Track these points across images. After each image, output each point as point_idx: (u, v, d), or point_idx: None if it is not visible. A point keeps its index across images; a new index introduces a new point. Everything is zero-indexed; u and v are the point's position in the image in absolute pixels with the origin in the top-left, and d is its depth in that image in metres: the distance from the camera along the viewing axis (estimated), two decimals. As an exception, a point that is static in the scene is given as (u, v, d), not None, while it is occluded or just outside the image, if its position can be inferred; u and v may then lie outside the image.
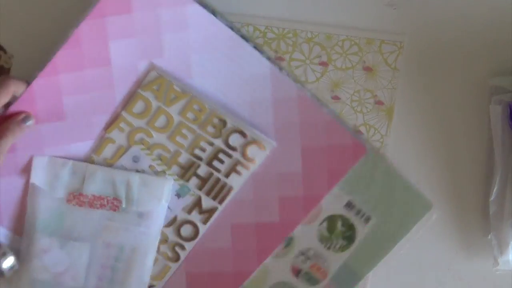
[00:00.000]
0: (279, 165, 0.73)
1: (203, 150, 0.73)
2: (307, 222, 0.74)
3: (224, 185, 0.73)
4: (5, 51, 0.74)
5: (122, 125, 0.72)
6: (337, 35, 0.75)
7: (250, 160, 0.73)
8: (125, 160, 0.72)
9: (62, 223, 0.72)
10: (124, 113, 0.72)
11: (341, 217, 0.74)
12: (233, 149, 0.73)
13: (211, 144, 0.73)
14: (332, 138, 0.73)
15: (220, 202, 0.73)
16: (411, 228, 0.74)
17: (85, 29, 0.70)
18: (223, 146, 0.73)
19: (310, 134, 0.73)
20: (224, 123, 0.72)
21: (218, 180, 0.73)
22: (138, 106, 0.72)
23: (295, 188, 0.73)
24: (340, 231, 0.75)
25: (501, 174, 0.74)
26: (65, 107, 0.72)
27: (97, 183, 0.72)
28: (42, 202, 0.71)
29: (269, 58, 0.72)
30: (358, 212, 0.74)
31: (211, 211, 0.73)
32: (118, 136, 0.72)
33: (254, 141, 0.72)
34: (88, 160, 0.73)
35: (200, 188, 0.73)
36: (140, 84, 0.72)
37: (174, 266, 0.74)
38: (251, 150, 0.73)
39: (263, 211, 0.74)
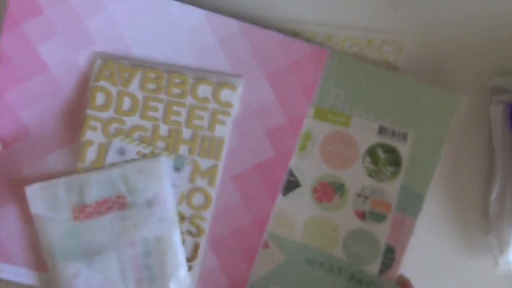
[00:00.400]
0: (253, 102, 0.71)
1: (179, 114, 0.70)
2: (349, 165, 0.73)
3: (213, 139, 0.71)
4: None
5: (92, 123, 0.70)
6: (337, 35, 0.74)
7: (227, 105, 0.70)
8: (112, 156, 0.71)
9: (79, 242, 0.71)
10: (89, 111, 0.70)
11: (379, 144, 0.73)
12: (206, 101, 0.70)
13: (183, 105, 0.70)
14: (290, 54, 0.71)
15: (217, 158, 0.71)
16: (451, 125, 0.72)
17: (7, 43, 0.70)
18: (195, 102, 0.70)
19: (268, 59, 0.71)
20: (185, 80, 0.70)
21: (205, 137, 0.71)
22: (99, 98, 0.70)
23: (277, 117, 0.72)
24: (385, 159, 0.73)
25: (501, 174, 0.73)
26: (26, 122, 0.71)
27: (95, 189, 0.70)
28: (52, 229, 0.71)
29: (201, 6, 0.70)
30: (393, 133, 0.73)
31: (213, 170, 0.71)
32: (93, 136, 0.71)
33: (223, 85, 0.70)
34: (75, 170, 0.72)
35: (192, 153, 0.71)
36: (90, 77, 0.70)
37: (202, 240, 0.72)
38: (223, 95, 0.70)
39: (256, 152, 0.72)
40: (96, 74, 0.70)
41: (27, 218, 0.72)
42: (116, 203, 0.70)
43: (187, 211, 0.72)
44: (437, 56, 0.74)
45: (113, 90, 0.70)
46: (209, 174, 0.71)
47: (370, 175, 0.73)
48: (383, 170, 0.73)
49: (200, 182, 0.71)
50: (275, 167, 0.72)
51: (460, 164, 0.75)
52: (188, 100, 0.70)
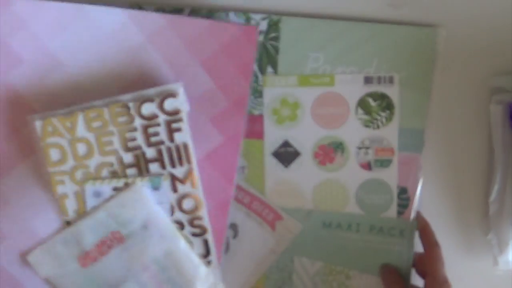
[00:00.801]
0: (192, 92, 0.71)
1: (134, 138, 0.70)
2: (343, 122, 0.75)
3: (178, 147, 0.71)
4: None
5: (58, 179, 0.70)
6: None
7: (175, 112, 0.69)
8: (91, 201, 0.71)
9: (98, 285, 0.73)
10: (50, 169, 0.70)
11: (368, 94, 0.74)
12: (154, 116, 0.70)
13: (134, 129, 0.70)
14: (220, 37, 0.70)
15: (189, 161, 0.71)
16: (435, 57, 0.73)
17: None
18: (144, 122, 0.70)
19: (199, 47, 0.70)
20: (125, 105, 0.69)
21: (169, 148, 0.71)
22: (53, 154, 0.70)
23: (219, 102, 0.72)
24: (376, 106, 0.74)
25: (501, 174, 0.73)
26: None
27: (89, 234, 0.71)
28: (69, 284, 0.72)
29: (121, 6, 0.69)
30: (379, 80, 0.74)
31: (189, 173, 0.71)
32: (64, 189, 0.71)
33: (164, 96, 0.69)
34: (64, 225, 0.72)
35: (164, 167, 0.71)
36: (36, 139, 0.70)
37: (209, 236, 0.74)
38: (168, 104, 0.69)
39: (205, 141, 0.72)
40: (41, 134, 0.69)
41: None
42: (113, 240, 0.72)
43: (183, 217, 0.73)
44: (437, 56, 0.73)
45: (63, 142, 0.69)
46: (188, 178, 0.71)
47: (366, 126, 0.74)
48: (377, 117, 0.74)
49: (183, 188, 0.72)
50: (226, 152, 0.72)
51: (460, 164, 0.76)
52: (137, 122, 0.69)
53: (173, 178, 0.71)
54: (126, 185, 0.71)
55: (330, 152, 0.75)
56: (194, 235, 0.73)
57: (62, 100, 0.71)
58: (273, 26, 0.73)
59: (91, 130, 0.70)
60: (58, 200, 0.71)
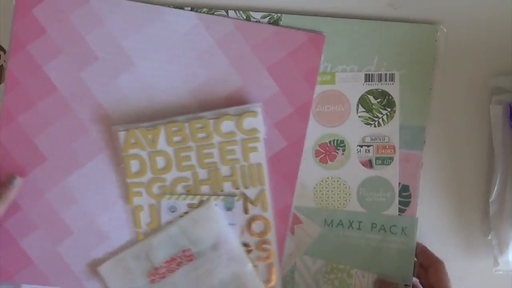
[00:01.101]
0: (258, 97, 0.73)
1: (211, 155, 0.71)
2: (344, 120, 0.74)
3: (252, 168, 0.72)
4: (4, 51, 0.74)
5: (135, 190, 0.72)
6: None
7: (253, 132, 0.71)
8: (165, 216, 0.72)
9: None
10: (128, 180, 0.71)
11: (369, 92, 0.74)
12: (232, 134, 0.71)
13: (212, 146, 0.71)
14: (287, 44, 0.72)
15: (262, 183, 0.72)
16: (435, 54, 0.73)
17: (15, 65, 0.71)
18: (222, 139, 0.71)
19: (266, 52, 0.72)
20: (206, 122, 0.70)
21: (243, 168, 0.72)
22: (133, 166, 0.71)
23: (284, 108, 0.73)
24: (378, 104, 0.74)
25: (501, 174, 0.72)
26: (41, 148, 0.72)
27: (160, 250, 0.72)
28: None
29: (191, 8, 0.72)
30: (380, 77, 0.73)
31: (261, 195, 0.73)
32: (141, 201, 0.72)
33: (243, 115, 0.71)
34: (136, 237, 0.73)
35: (237, 187, 0.72)
36: (119, 149, 0.71)
37: (275, 261, 0.74)
38: (247, 124, 0.71)
39: (268, 145, 0.73)
40: (124, 145, 0.71)
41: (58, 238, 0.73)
42: (183, 257, 0.72)
43: (251, 240, 0.73)
44: (437, 56, 0.74)
45: (144, 154, 0.71)
46: (260, 200, 0.73)
47: (367, 123, 0.74)
48: (378, 115, 0.74)
49: (254, 210, 0.73)
50: (288, 157, 0.73)
51: (460, 164, 0.75)
52: (215, 139, 0.71)
53: (245, 200, 0.73)
54: (200, 202, 0.72)
55: (331, 150, 0.74)
56: (260, 259, 0.74)
57: (130, 102, 0.72)
58: (274, 24, 0.73)
59: (171, 144, 0.71)
60: (133, 211, 0.72)
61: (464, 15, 0.73)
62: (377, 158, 0.74)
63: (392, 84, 0.73)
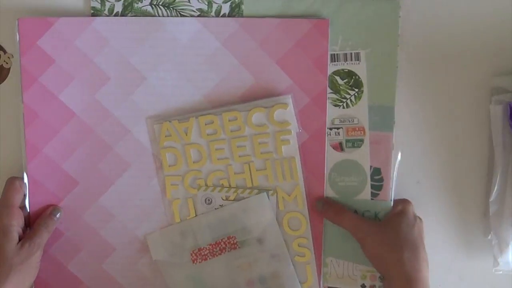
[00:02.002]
0: (273, 91, 0.73)
1: (244, 148, 0.73)
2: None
3: (284, 161, 0.73)
4: (4, 51, 0.74)
5: (172, 183, 0.73)
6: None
7: (284, 124, 0.72)
8: (201, 208, 0.74)
9: (202, 285, 0.74)
10: (166, 173, 0.73)
11: (335, 72, 0.73)
12: (264, 127, 0.72)
13: (245, 138, 0.72)
14: (293, 34, 0.72)
15: (295, 178, 0.73)
16: (397, 30, 0.72)
17: (30, 98, 0.72)
18: (254, 131, 0.72)
19: (273, 45, 0.72)
20: (237, 114, 0.72)
21: (276, 161, 0.73)
22: (169, 158, 0.73)
23: (300, 99, 0.73)
24: (345, 84, 0.73)
25: (501, 174, 0.73)
26: (70, 172, 0.74)
27: (207, 232, 0.74)
28: (176, 274, 0.74)
29: (191, 15, 0.72)
30: (345, 57, 0.73)
31: (295, 191, 0.73)
32: (177, 193, 0.74)
33: (274, 106, 0.72)
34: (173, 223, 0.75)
35: (270, 180, 0.73)
36: (155, 142, 0.73)
37: (312, 260, 0.75)
38: (278, 115, 0.72)
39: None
40: (159, 137, 0.72)
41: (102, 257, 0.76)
42: (228, 244, 0.73)
43: (287, 237, 0.74)
44: (438, 56, 0.74)
45: (178, 146, 0.73)
46: (293, 195, 0.73)
47: (336, 105, 0.73)
48: (346, 96, 0.73)
49: (290, 206, 0.74)
50: (312, 148, 0.73)
51: (460, 164, 0.75)
52: (247, 131, 0.72)
53: (280, 194, 0.73)
54: (236, 195, 0.73)
55: None
56: (296, 257, 0.74)
57: (148, 115, 0.74)
58: (236, 8, 0.73)
59: (204, 136, 0.72)
60: (169, 203, 0.74)
61: (464, 14, 0.74)
62: (347, 141, 0.74)
63: (358, 63, 0.73)
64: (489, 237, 0.74)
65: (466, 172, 0.76)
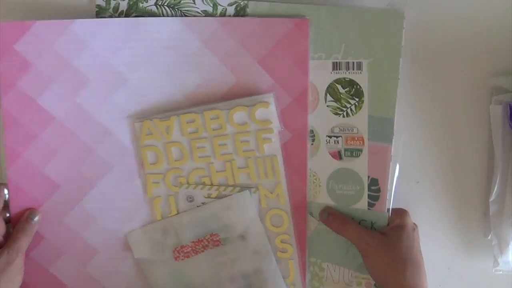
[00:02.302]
0: (255, 91, 0.73)
1: (225, 146, 0.72)
2: (312, 109, 0.74)
3: (266, 159, 0.73)
4: None
5: (153, 181, 0.73)
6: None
7: (266, 123, 0.72)
8: (183, 205, 0.74)
9: (185, 282, 0.74)
10: (147, 171, 0.73)
11: (336, 81, 0.73)
12: (245, 125, 0.72)
13: (226, 136, 0.72)
14: (274, 34, 0.72)
15: (277, 176, 0.73)
16: (401, 41, 0.71)
17: (9, 104, 0.72)
18: (235, 130, 0.72)
19: (254, 45, 0.72)
20: (219, 113, 0.72)
21: (258, 159, 0.73)
22: (150, 157, 0.73)
23: (282, 99, 0.73)
24: (346, 93, 0.73)
25: (501, 174, 0.73)
26: (52, 176, 0.73)
27: (189, 229, 0.73)
28: (158, 271, 0.74)
29: (172, 15, 0.72)
30: (348, 66, 0.72)
31: (277, 188, 0.74)
32: (158, 191, 0.74)
33: (255, 105, 0.72)
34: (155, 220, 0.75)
35: (253, 179, 0.73)
36: (135, 140, 0.73)
37: (294, 256, 0.75)
38: (259, 114, 0.72)
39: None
40: (140, 135, 0.72)
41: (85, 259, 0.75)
42: (210, 241, 0.73)
43: (269, 233, 0.74)
44: (437, 57, 0.74)
45: (159, 144, 0.72)
46: (275, 193, 0.73)
47: (336, 113, 0.73)
48: (346, 105, 0.73)
49: (271, 203, 0.74)
50: (295, 148, 0.73)
51: (460, 164, 0.76)
52: (229, 130, 0.72)
53: (262, 191, 0.73)
54: (217, 193, 0.73)
55: None
56: (278, 253, 0.74)
57: (129, 115, 0.73)
58: (241, 11, 0.73)
59: (185, 134, 0.72)
60: (150, 201, 0.74)
61: (464, 14, 0.74)
62: (346, 150, 0.74)
63: (360, 73, 0.72)
64: (489, 237, 0.75)
65: (466, 172, 0.76)
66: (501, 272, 0.75)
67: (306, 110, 0.73)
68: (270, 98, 0.72)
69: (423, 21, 0.73)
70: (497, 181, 0.73)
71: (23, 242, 0.71)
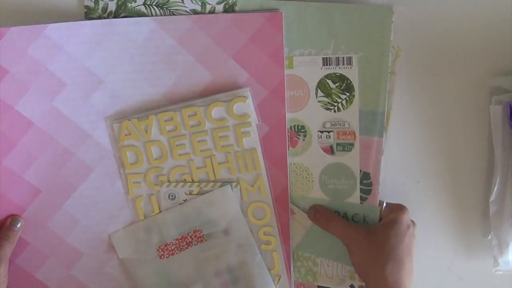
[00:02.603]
0: (231, 87, 0.73)
1: (205, 142, 0.73)
2: (304, 105, 0.74)
3: (246, 153, 0.74)
4: None
5: (134, 181, 0.74)
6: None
7: (244, 117, 0.73)
8: (165, 204, 0.74)
9: (169, 279, 0.75)
10: (127, 171, 0.73)
11: (327, 76, 0.73)
12: (223, 120, 0.73)
13: (205, 133, 0.73)
14: (247, 29, 0.72)
15: (258, 169, 0.74)
16: (389, 35, 0.72)
17: None
18: (214, 126, 0.73)
19: (228, 41, 0.72)
20: (196, 110, 0.72)
21: (238, 154, 0.74)
22: (130, 157, 0.73)
23: (258, 93, 0.73)
24: (336, 88, 0.73)
25: (501, 174, 0.73)
26: (33, 181, 0.74)
27: (173, 227, 0.74)
28: (143, 271, 0.75)
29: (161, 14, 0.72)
30: (338, 61, 0.73)
31: (258, 181, 0.74)
32: (140, 191, 0.74)
33: (232, 100, 0.72)
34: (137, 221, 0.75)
35: (233, 173, 0.74)
36: (114, 141, 0.73)
37: (278, 247, 0.75)
38: (237, 109, 0.73)
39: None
40: (119, 136, 0.72)
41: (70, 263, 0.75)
42: (194, 238, 0.74)
43: (252, 226, 0.75)
44: (437, 57, 0.74)
45: (139, 144, 0.73)
46: (257, 186, 0.74)
47: (327, 109, 0.74)
48: (337, 99, 0.73)
49: (253, 196, 0.74)
50: (274, 141, 0.74)
51: (460, 164, 0.76)
52: (207, 126, 0.73)
53: (243, 185, 0.74)
54: (199, 189, 0.74)
55: (292, 135, 0.74)
56: (262, 245, 0.75)
57: (107, 117, 0.73)
58: (229, 9, 0.73)
59: (164, 133, 0.73)
60: (132, 201, 0.74)
61: (464, 14, 0.74)
62: (338, 144, 0.74)
63: (350, 68, 0.73)
64: (489, 237, 0.75)
65: (466, 172, 0.76)
66: (501, 272, 0.75)
67: (283, 103, 0.73)
68: (246, 92, 0.72)
69: (423, 20, 0.74)
70: (497, 181, 0.73)
71: (6, 249, 0.71)
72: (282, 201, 0.75)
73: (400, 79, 0.74)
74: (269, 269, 0.75)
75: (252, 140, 0.73)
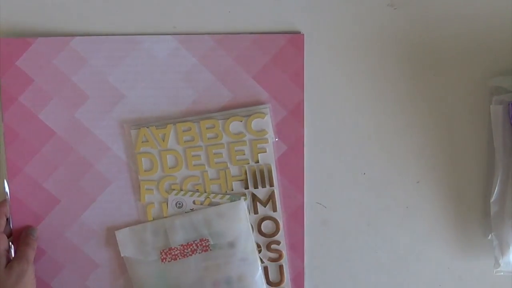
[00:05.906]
0: (250, 105, 0.74)
1: (220, 155, 0.74)
2: None
3: (261, 168, 0.74)
4: None
5: (147, 187, 0.74)
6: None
7: (261, 133, 0.74)
8: (172, 211, 0.75)
9: (167, 283, 0.75)
10: (140, 177, 0.74)
11: None
12: (240, 135, 0.74)
13: (221, 146, 0.74)
14: (269, 50, 0.74)
15: (271, 185, 0.75)
16: None
17: (10, 118, 0.74)
18: (231, 139, 0.74)
19: (249, 61, 0.73)
20: (215, 122, 0.73)
21: (252, 168, 0.74)
22: (145, 164, 0.74)
23: (277, 112, 0.74)
24: None
25: (501, 175, 0.73)
26: (52, 191, 0.75)
27: (180, 232, 0.74)
28: (143, 271, 0.75)
29: (168, 33, 0.73)
30: None
31: (271, 196, 0.75)
32: (152, 198, 0.75)
33: (251, 116, 0.73)
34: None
35: (246, 187, 0.75)
36: (131, 147, 0.74)
37: (285, 262, 0.76)
38: (255, 125, 0.74)
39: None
40: (135, 142, 0.73)
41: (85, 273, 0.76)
42: (199, 246, 0.74)
43: (261, 240, 0.76)
44: (437, 56, 0.75)
45: (155, 152, 0.74)
46: (269, 201, 0.75)
47: None
48: None
49: (264, 210, 0.75)
50: (291, 160, 0.75)
51: (461, 164, 0.76)
52: (224, 139, 0.73)
53: (254, 199, 0.75)
54: (207, 200, 0.74)
55: None
56: (270, 260, 0.76)
57: (127, 132, 0.75)
58: None
59: (181, 143, 0.74)
60: (144, 207, 0.75)
61: (464, 14, 0.74)
62: None
63: None
64: (490, 238, 0.74)
65: (467, 172, 0.76)
66: (502, 273, 0.74)
67: (301, 123, 0.74)
68: (266, 109, 0.73)
69: (424, 21, 0.74)
70: (498, 182, 0.73)
71: (30, 253, 0.72)
72: (297, 217, 0.75)
73: (400, 79, 0.74)
74: (276, 282, 0.76)
75: (268, 156, 0.74)
